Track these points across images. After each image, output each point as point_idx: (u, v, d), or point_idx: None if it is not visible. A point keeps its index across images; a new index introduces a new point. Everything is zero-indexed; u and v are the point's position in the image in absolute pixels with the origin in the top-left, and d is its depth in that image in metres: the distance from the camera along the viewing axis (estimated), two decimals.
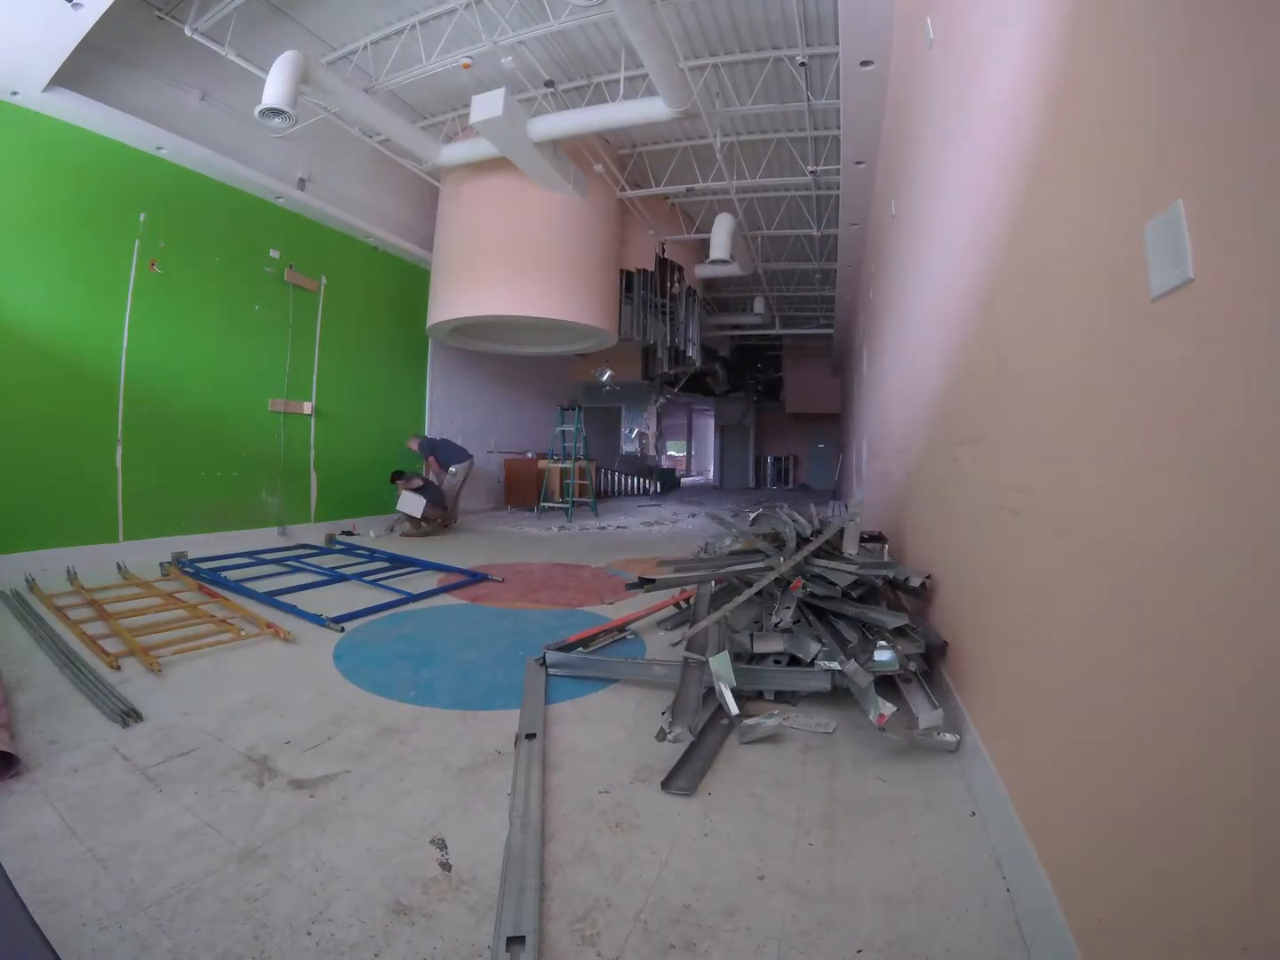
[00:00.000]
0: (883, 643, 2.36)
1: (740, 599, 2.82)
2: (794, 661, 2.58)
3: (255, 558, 5.52)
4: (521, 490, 10.59)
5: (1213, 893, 0.79)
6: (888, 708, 2.06)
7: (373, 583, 4.67)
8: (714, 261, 9.01)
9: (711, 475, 22.20)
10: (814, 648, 2.52)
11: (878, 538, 3.85)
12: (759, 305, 13.22)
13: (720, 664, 2.40)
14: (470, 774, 1.98)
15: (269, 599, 4.00)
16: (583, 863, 1.56)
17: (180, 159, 5.72)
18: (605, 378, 12.39)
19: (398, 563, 5.50)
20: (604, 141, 7.95)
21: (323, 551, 6.09)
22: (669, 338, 10.27)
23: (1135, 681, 1.01)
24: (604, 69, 6.61)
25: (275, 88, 5.01)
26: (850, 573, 2.82)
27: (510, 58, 5.91)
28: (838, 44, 4.67)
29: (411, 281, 8.51)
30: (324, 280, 7.22)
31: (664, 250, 9.96)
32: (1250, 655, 0.75)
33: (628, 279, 9.38)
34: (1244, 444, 0.78)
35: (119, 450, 5.32)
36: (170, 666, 2.82)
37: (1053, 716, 1.36)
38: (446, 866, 1.51)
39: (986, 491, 1.95)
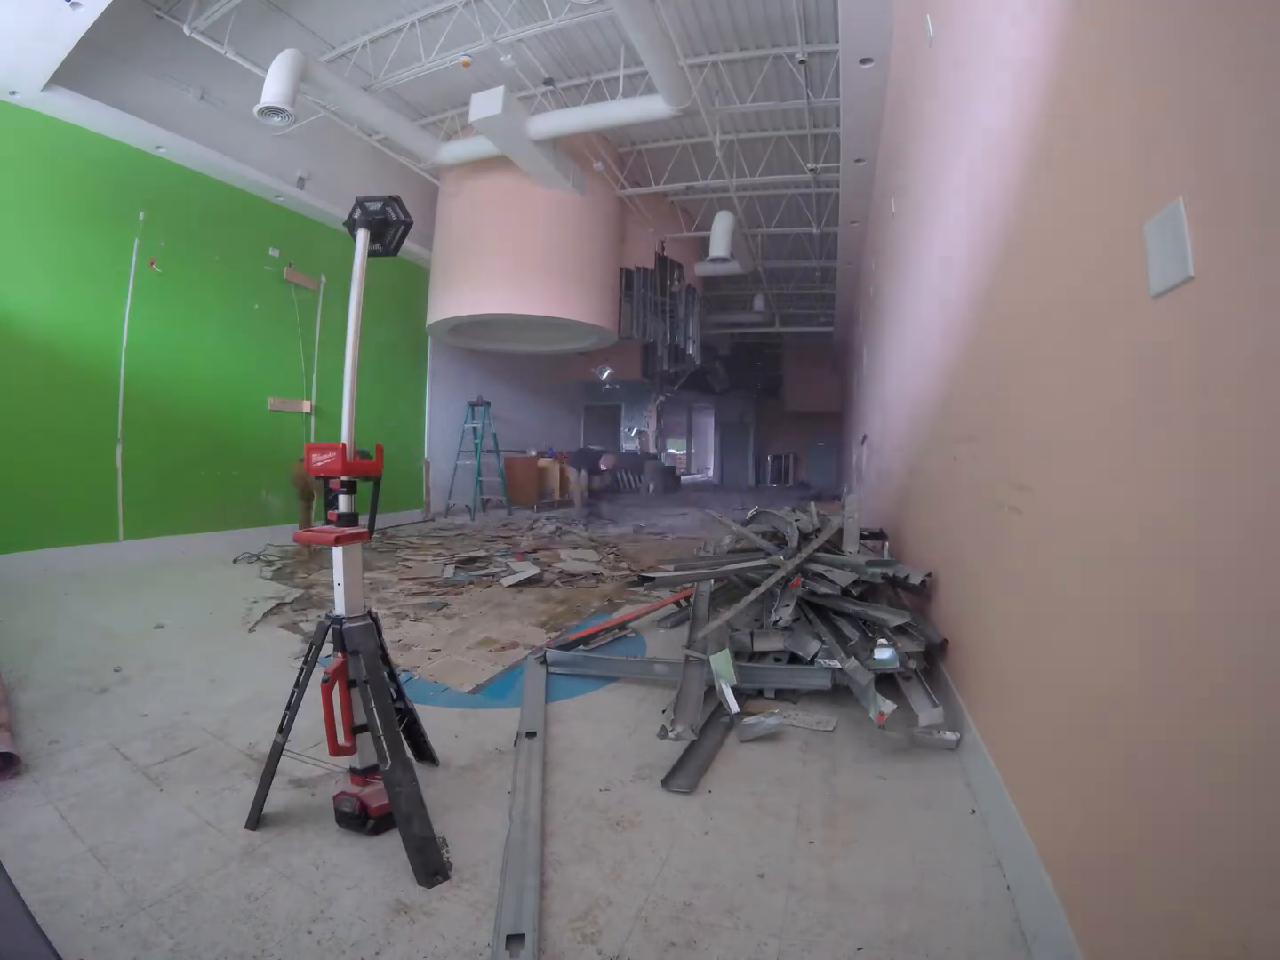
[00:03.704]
0: (883, 641, 2.36)
1: (748, 598, 2.81)
2: (794, 659, 2.58)
3: None
4: (523, 488, 10.59)
5: (1213, 890, 0.79)
6: (888, 705, 2.06)
7: None
8: (714, 259, 9.00)
9: (711, 473, 22.19)
10: (814, 646, 2.52)
11: (878, 535, 3.85)
12: (759, 303, 13.21)
13: (721, 662, 2.40)
14: (470, 772, 1.99)
15: None
16: (583, 861, 1.56)
17: (179, 158, 5.71)
18: (605, 376, 12.39)
19: None
20: (603, 139, 7.94)
21: None
22: (669, 336, 10.27)
23: (1136, 679, 1.01)
24: (603, 67, 6.60)
25: (274, 86, 5.00)
26: (850, 571, 2.82)
27: (509, 56, 5.90)
28: (837, 42, 4.66)
29: (411, 280, 8.51)
30: (323, 279, 7.22)
31: (664, 248, 9.95)
32: (1251, 653, 0.75)
33: (627, 277, 9.37)
34: (1245, 440, 0.78)
35: (119, 450, 5.32)
36: (171, 665, 2.82)
37: (1053, 714, 1.36)
38: (447, 864, 1.52)
39: (987, 489, 1.95)
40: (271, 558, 5.53)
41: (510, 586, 4.52)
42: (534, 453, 11.11)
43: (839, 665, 2.34)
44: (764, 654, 2.64)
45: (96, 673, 2.69)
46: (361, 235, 1.76)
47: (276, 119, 5.18)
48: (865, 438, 6.96)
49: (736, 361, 17.77)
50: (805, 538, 3.49)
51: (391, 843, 1.57)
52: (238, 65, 5.51)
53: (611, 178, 8.30)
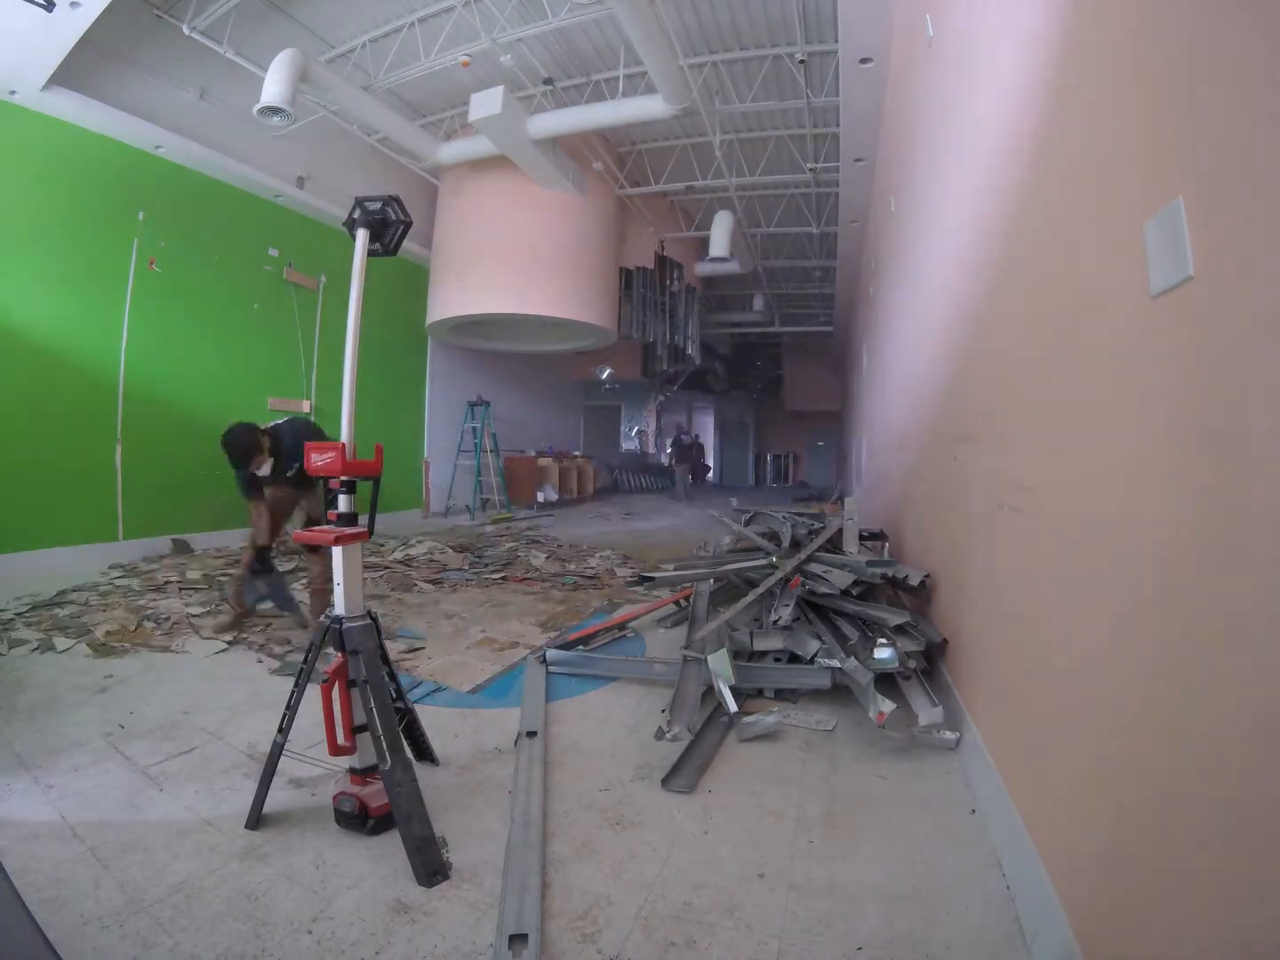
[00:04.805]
0: (883, 640, 2.36)
1: (748, 598, 2.81)
2: (794, 659, 2.58)
3: None
4: (522, 488, 10.58)
5: (1213, 889, 0.79)
6: (887, 705, 2.06)
7: None
8: (713, 259, 9.01)
9: (711, 473, 22.18)
10: (813, 645, 2.52)
11: (878, 535, 3.85)
12: (758, 303, 13.21)
13: (719, 662, 2.40)
14: (470, 772, 1.99)
15: None
16: (584, 860, 1.56)
17: (179, 157, 5.71)
18: (605, 376, 12.39)
19: None
20: (603, 139, 7.94)
21: None
22: (668, 335, 10.26)
23: (1136, 679, 1.01)
24: (603, 66, 6.59)
25: (274, 86, 5.00)
26: (849, 572, 2.82)
27: (509, 55, 5.90)
28: (837, 41, 4.66)
29: (411, 279, 8.50)
30: (323, 278, 7.21)
31: (663, 248, 9.95)
32: (1253, 652, 0.75)
33: (627, 276, 9.37)
34: (1245, 439, 0.78)
35: (118, 449, 5.31)
36: (171, 666, 2.82)
37: (1053, 713, 1.36)
38: (447, 864, 1.52)
39: (987, 489, 1.95)
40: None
41: (509, 586, 4.52)
42: (534, 452, 11.11)
43: (838, 665, 2.34)
44: (763, 654, 2.64)
45: (95, 673, 2.69)
46: (361, 235, 1.76)
47: (276, 119, 5.18)
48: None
49: (736, 361, 17.77)
50: (805, 536, 3.49)
51: (391, 843, 1.56)
52: (237, 65, 5.50)
53: (611, 177, 8.30)
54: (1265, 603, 0.73)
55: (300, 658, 1.89)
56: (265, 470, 3.11)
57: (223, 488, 6.12)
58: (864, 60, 4.47)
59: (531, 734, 2.18)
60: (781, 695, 2.53)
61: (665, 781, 1.90)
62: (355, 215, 1.75)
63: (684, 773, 1.95)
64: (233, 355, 6.27)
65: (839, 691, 2.41)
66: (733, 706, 2.28)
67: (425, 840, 1.50)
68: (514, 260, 7.66)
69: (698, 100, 5.99)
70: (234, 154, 6.11)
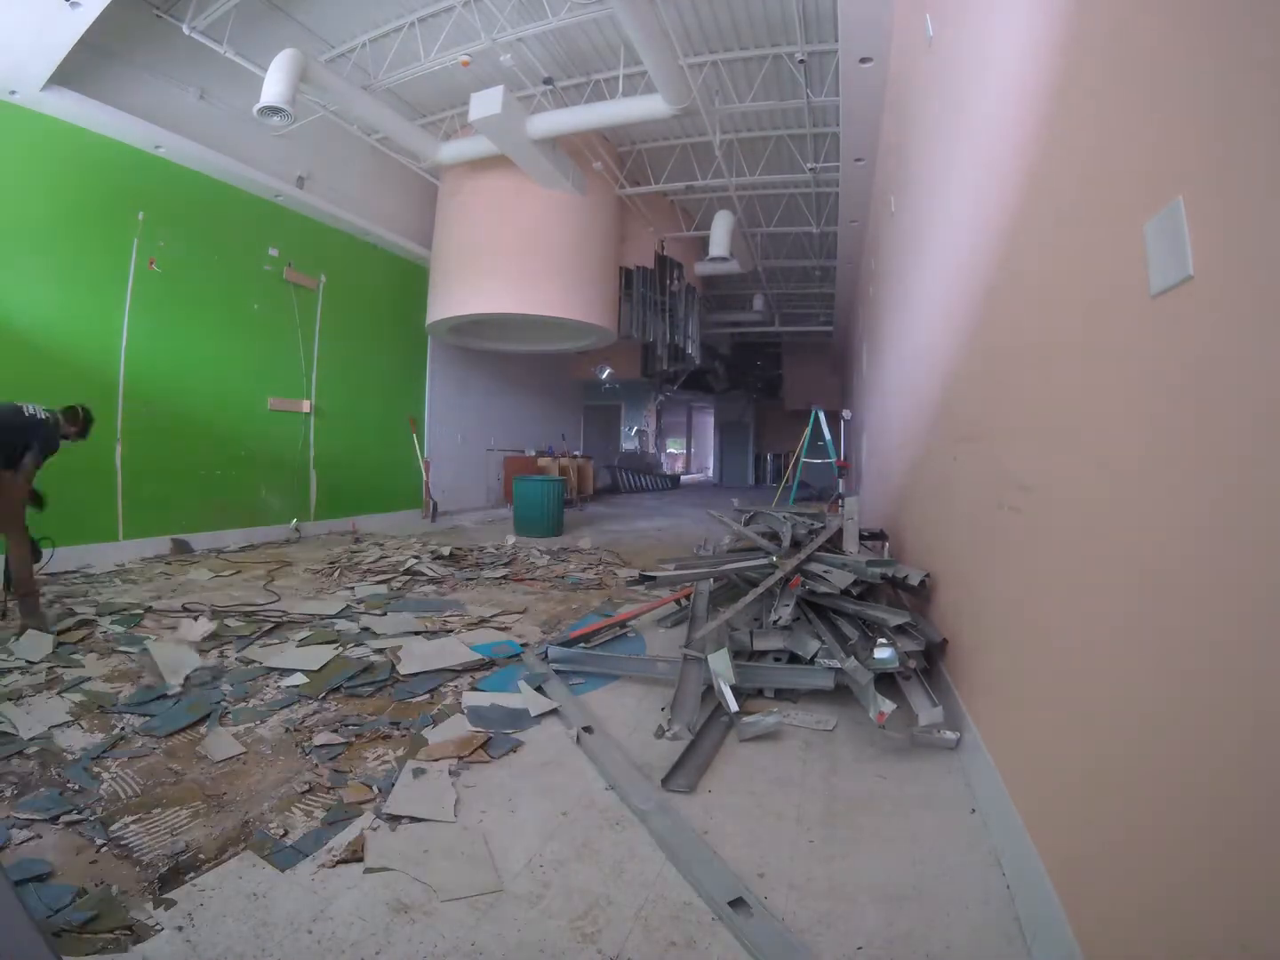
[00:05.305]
0: (883, 640, 2.36)
1: (748, 598, 2.81)
2: (794, 659, 2.58)
3: None
4: None
5: (1212, 889, 0.79)
6: (887, 705, 2.06)
7: None
8: (713, 259, 9.01)
9: (711, 473, 22.20)
10: (814, 645, 2.52)
11: (878, 535, 3.85)
12: (758, 303, 13.21)
13: (719, 661, 2.40)
14: (470, 772, 1.98)
15: None
16: (583, 860, 1.56)
17: (179, 157, 5.71)
18: (605, 375, 12.39)
19: None
20: (603, 139, 7.94)
21: None
22: (668, 335, 10.27)
23: (1136, 678, 1.01)
24: (603, 66, 6.59)
25: (274, 86, 5.00)
26: (850, 572, 2.82)
27: (509, 55, 5.90)
28: (837, 41, 4.66)
29: (411, 279, 8.50)
30: (323, 278, 7.21)
31: (663, 247, 9.95)
32: (1252, 652, 0.75)
33: (627, 276, 9.37)
34: (1244, 439, 0.78)
35: (118, 449, 5.31)
36: None
37: (1053, 713, 1.36)
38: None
39: (987, 489, 1.95)
40: None
41: (509, 586, 4.52)
42: (533, 452, 11.12)
43: (839, 665, 2.34)
44: (764, 653, 2.64)
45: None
46: None
47: (276, 119, 5.19)
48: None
49: (736, 361, 17.77)
50: (806, 536, 3.49)
51: None
52: (237, 65, 5.51)
53: (611, 177, 8.30)
54: (1265, 602, 0.73)
55: None
56: None
57: (223, 487, 6.16)
58: (864, 60, 4.47)
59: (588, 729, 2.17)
60: (782, 695, 2.53)
61: (665, 781, 1.90)
62: None
63: (684, 772, 1.95)
64: (233, 355, 6.28)
65: (839, 691, 2.41)
66: (733, 706, 2.28)
67: None
68: (514, 260, 7.66)
69: (698, 100, 5.99)
70: (234, 154, 6.11)
